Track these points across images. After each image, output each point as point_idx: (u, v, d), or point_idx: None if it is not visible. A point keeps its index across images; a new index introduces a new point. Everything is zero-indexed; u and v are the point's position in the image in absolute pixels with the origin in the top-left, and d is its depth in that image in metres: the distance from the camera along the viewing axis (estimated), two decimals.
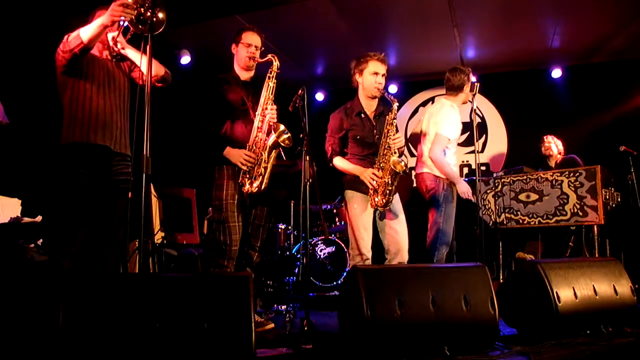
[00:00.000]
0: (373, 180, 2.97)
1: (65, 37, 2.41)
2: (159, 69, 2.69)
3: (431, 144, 3.54)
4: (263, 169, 2.77)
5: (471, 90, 3.46)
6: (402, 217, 3.14)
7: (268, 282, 4.67)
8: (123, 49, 2.56)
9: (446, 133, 3.52)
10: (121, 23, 2.39)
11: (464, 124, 3.80)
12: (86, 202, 2.47)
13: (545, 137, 4.97)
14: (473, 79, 5.82)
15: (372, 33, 5.05)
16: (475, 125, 3.48)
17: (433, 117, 3.64)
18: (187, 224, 4.33)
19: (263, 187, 2.77)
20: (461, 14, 4.62)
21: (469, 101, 3.69)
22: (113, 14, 2.25)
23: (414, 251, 3.16)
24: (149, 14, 2.22)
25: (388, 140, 3.01)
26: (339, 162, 3.17)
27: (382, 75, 3.12)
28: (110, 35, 2.54)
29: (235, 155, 2.79)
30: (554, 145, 4.87)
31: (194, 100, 2.94)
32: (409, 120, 6.37)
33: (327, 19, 4.66)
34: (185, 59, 5.21)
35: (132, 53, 2.60)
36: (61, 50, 2.42)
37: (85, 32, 2.34)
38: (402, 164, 2.92)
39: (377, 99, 3.20)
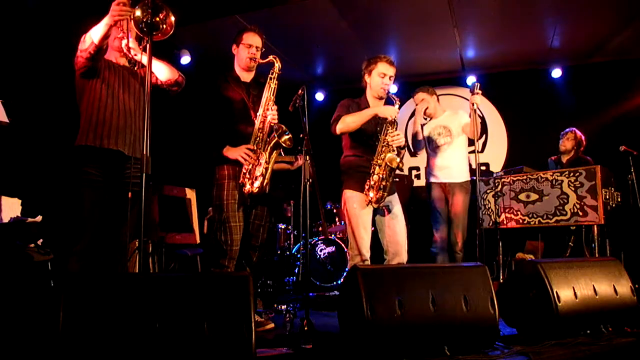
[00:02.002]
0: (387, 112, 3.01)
1: (82, 37, 2.47)
2: (173, 74, 2.73)
3: None
4: (264, 170, 2.77)
5: (471, 90, 3.49)
6: (401, 217, 3.13)
7: (268, 282, 4.68)
8: (136, 55, 2.59)
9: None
10: (124, 24, 2.45)
11: None
12: (95, 201, 2.49)
13: (569, 131, 4.72)
14: (474, 79, 5.87)
15: (372, 33, 5.05)
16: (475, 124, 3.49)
17: None
18: (187, 224, 4.33)
19: (264, 187, 2.77)
20: (461, 14, 4.62)
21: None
22: (113, 14, 2.31)
23: (414, 251, 3.16)
24: (158, 19, 2.23)
25: (387, 138, 3.02)
26: (347, 118, 3.07)
27: (390, 77, 3.15)
28: (123, 43, 2.57)
29: (235, 150, 2.79)
30: (571, 142, 4.67)
31: (194, 100, 2.94)
32: (409, 120, 6.37)
33: (327, 19, 4.66)
34: (185, 59, 5.22)
35: (146, 59, 2.61)
36: (79, 51, 2.48)
37: (95, 33, 2.41)
38: (398, 160, 2.93)
39: (383, 101, 3.22)
